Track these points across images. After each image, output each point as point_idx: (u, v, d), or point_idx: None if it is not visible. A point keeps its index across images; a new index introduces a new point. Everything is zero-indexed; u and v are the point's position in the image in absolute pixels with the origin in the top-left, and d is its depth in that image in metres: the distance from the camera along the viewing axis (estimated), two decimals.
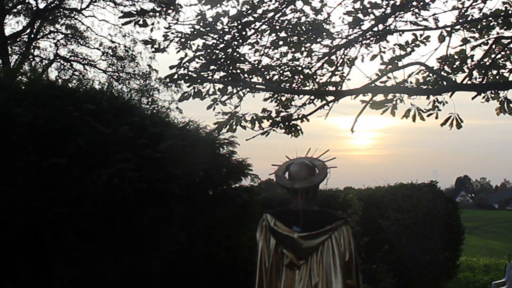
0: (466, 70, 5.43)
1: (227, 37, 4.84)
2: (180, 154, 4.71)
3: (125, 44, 18.36)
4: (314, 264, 2.71)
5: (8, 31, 17.35)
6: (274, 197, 9.37)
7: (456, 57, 5.45)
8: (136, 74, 18.47)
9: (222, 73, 4.96)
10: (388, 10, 4.99)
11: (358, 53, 5.35)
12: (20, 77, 5.15)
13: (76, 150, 4.22)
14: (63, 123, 4.32)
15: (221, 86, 4.95)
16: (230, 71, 4.95)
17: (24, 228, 3.97)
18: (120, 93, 6.07)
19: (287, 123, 5.31)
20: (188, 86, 4.93)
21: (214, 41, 4.80)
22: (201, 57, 4.82)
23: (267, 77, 5.19)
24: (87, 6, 17.85)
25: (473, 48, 5.41)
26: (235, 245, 5.33)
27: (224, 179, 5.51)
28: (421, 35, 5.12)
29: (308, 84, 5.44)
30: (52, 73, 17.50)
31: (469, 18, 5.20)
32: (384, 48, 5.28)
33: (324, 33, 5.09)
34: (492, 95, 5.59)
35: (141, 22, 4.71)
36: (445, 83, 5.17)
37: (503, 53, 5.50)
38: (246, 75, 5.02)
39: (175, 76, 4.78)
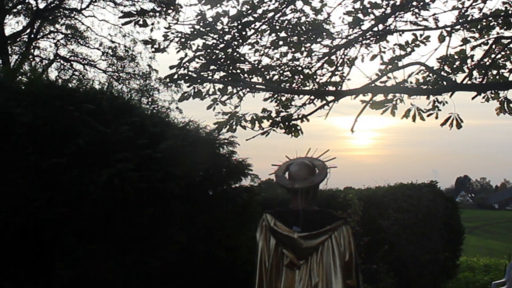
0: (466, 70, 5.43)
1: (227, 37, 4.84)
2: (180, 154, 4.71)
3: (125, 44, 18.39)
4: (314, 264, 2.71)
5: (8, 31, 17.38)
6: (274, 197, 9.37)
7: (456, 57, 5.45)
8: (136, 74, 18.48)
9: (222, 73, 4.96)
10: (388, 10, 4.99)
11: (358, 53, 5.36)
12: (20, 77, 5.15)
13: (76, 150, 4.22)
14: (63, 123, 4.32)
15: (221, 86, 4.95)
16: (230, 71, 4.95)
17: (24, 228, 3.97)
18: (120, 93, 6.07)
19: (287, 123, 5.31)
20: (188, 86, 4.93)
21: (214, 41, 4.80)
22: (201, 57, 4.82)
23: (267, 77, 5.19)
24: (87, 6, 17.86)
25: (473, 48, 5.42)
26: (235, 245, 5.33)
27: (224, 179, 5.51)
28: (421, 35, 5.12)
29: (308, 84, 5.44)
30: (52, 73, 17.52)
31: (469, 18, 5.20)
32: (384, 48, 5.29)
33: (324, 33, 5.09)
34: (492, 95, 5.59)
35: (141, 22, 4.71)
36: (445, 83, 5.17)
37: (503, 53, 5.50)
38: (246, 75, 5.02)
39: (175, 76, 4.78)
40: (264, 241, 2.80)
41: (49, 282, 4.01)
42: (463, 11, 5.16)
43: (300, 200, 2.78)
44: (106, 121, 4.55)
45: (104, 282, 4.11)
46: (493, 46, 5.39)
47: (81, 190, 4.15)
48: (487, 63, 5.52)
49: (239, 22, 4.80)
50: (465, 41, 5.36)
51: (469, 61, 5.45)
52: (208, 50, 4.82)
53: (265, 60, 5.27)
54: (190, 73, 4.80)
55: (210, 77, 4.92)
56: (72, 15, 18.21)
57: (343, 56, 5.38)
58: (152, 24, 4.76)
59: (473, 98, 5.27)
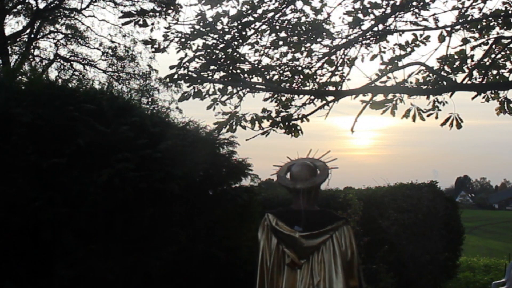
0: (466, 70, 5.43)
1: (227, 37, 4.84)
2: (180, 154, 4.71)
3: (125, 44, 18.39)
4: (316, 263, 2.73)
5: (8, 31, 17.39)
6: (274, 197, 9.36)
7: (456, 57, 5.45)
8: (136, 74, 18.48)
9: (222, 73, 4.97)
10: (388, 10, 4.99)
11: (358, 53, 5.36)
12: (20, 77, 5.15)
13: (76, 150, 4.22)
14: (63, 123, 4.32)
15: (221, 86, 4.96)
16: (230, 71, 4.95)
17: (24, 228, 3.97)
18: (120, 93, 6.06)
19: (287, 123, 5.31)
20: (188, 86, 4.93)
21: (214, 41, 4.80)
22: (201, 57, 4.82)
23: (267, 77, 5.19)
24: (87, 6, 17.86)
25: (473, 48, 5.42)
26: (235, 245, 5.33)
27: (224, 179, 5.51)
28: (421, 35, 5.13)
29: (308, 84, 5.44)
30: (52, 73, 17.52)
31: (469, 18, 5.20)
32: (384, 48, 5.29)
33: (324, 33, 5.10)
34: (492, 95, 5.59)
35: (141, 22, 4.72)
36: (445, 83, 5.18)
37: (503, 53, 5.50)
38: (246, 75, 5.02)
39: (175, 76, 4.78)
40: (265, 240, 2.82)
41: (49, 282, 4.01)
42: (463, 11, 5.16)
43: (301, 200, 2.82)
44: (106, 121, 4.55)
45: (104, 282, 4.10)
46: (493, 46, 5.40)
47: (81, 190, 4.14)
48: (487, 63, 5.53)
49: (239, 22, 4.80)
50: (465, 41, 5.36)
51: (469, 61, 5.46)
52: (208, 50, 4.83)
53: (265, 60, 5.28)
54: (190, 73, 4.80)
55: (210, 77, 4.93)
56: (72, 15, 18.22)
57: (343, 56, 5.38)
58: (152, 24, 4.76)
59: (473, 98, 5.27)
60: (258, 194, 6.25)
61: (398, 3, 4.99)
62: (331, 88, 5.45)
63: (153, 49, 4.94)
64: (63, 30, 18.52)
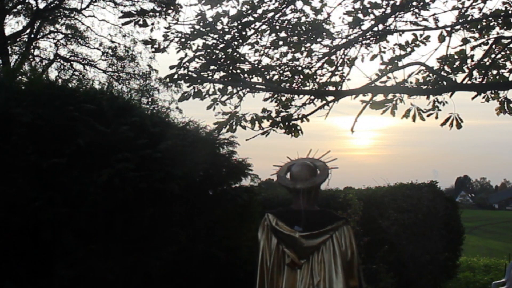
0: (466, 70, 5.43)
1: (227, 37, 4.84)
2: (180, 154, 4.71)
3: (125, 44, 18.39)
4: (315, 263, 2.74)
5: (8, 31, 17.38)
6: (274, 197, 9.36)
7: (456, 57, 5.45)
8: (136, 74, 18.48)
9: (222, 73, 4.97)
10: (388, 10, 4.99)
11: (358, 53, 5.36)
12: (20, 77, 5.15)
13: (76, 150, 4.22)
14: (63, 123, 4.32)
15: (221, 86, 4.96)
16: (230, 71, 4.95)
17: (24, 228, 3.96)
18: (120, 93, 6.06)
19: (287, 123, 5.31)
20: (188, 86, 4.93)
21: (214, 41, 4.80)
22: (201, 57, 4.82)
23: (267, 77, 5.19)
24: (87, 6, 17.86)
25: (473, 48, 5.42)
26: (235, 245, 5.33)
27: (224, 179, 5.51)
28: (421, 35, 5.12)
29: (308, 84, 5.44)
30: (52, 73, 17.52)
31: (469, 18, 5.20)
32: (384, 48, 5.29)
33: (324, 33, 5.10)
34: (492, 95, 5.59)
35: (141, 22, 4.71)
36: (445, 83, 5.18)
37: (503, 53, 5.50)
38: (246, 75, 5.02)
39: (175, 76, 4.78)
40: (265, 240, 2.83)
41: (49, 282, 4.01)
42: (463, 11, 5.16)
43: (302, 201, 2.82)
44: (106, 121, 4.55)
45: (104, 282, 4.10)
46: (493, 46, 5.40)
47: (81, 190, 4.14)
48: (487, 63, 5.53)
49: (239, 22, 4.80)
50: (465, 41, 5.36)
51: (469, 61, 5.46)
52: (208, 50, 4.83)
53: (265, 60, 5.28)
54: (190, 73, 4.80)
55: (210, 77, 4.93)
56: (72, 15, 18.22)
57: (343, 56, 5.38)
58: (152, 24, 4.76)
59: (473, 98, 5.27)
60: (258, 194, 6.26)
61: (398, 3, 4.99)
62: (331, 88, 5.45)
63: (153, 49, 4.94)
64: (63, 30, 18.55)
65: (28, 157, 4.06)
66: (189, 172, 4.80)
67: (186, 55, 4.77)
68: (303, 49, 5.21)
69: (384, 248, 7.66)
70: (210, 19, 4.68)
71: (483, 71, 5.54)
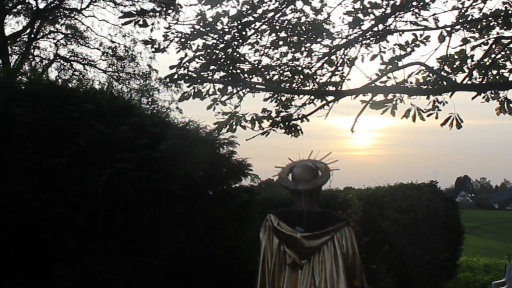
0: (466, 70, 5.43)
1: (227, 37, 4.84)
2: (180, 154, 4.71)
3: (125, 44, 18.39)
4: (317, 264, 2.75)
5: (8, 31, 17.39)
6: (274, 197, 9.37)
7: (456, 57, 5.45)
8: (136, 74, 18.48)
9: (222, 73, 4.96)
10: (388, 10, 4.98)
11: (358, 53, 5.36)
12: (20, 77, 5.16)
13: (76, 150, 4.22)
14: (63, 123, 4.32)
15: (221, 86, 4.95)
16: (230, 71, 4.95)
17: (24, 228, 3.97)
18: (120, 93, 6.07)
19: (287, 123, 5.31)
20: (188, 86, 4.93)
21: (214, 41, 4.80)
22: (201, 57, 4.82)
23: (267, 77, 5.19)
24: (87, 6, 17.86)
25: (473, 48, 5.42)
26: (235, 245, 5.34)
27: (224, 179, 5.51)
28: (421, 35, 5.12)
29: (308, 84, 5.44)
30: (52, 73, 17.53)
31: (469, 18, 5.19)
32: (384, 48, 5.28)
33: (324, 33, 5.09)
34: (492, 95, 5.59)
35: (141, 22, 4.71)
36: (445, 83, 5.17)
37: (503, 53, 5.50)
38: (246, 75, 5.02)
39: (175, 76, 4.78)
40: (267, 240, 2.85)
41: (49, 282, 4.01)
42: (463, 11, 5.16)
43: (303, 202, 2.83)
44: (106, 121, 4.55)
45: (104, 282, 4.10)
46: (493, 46, 5.39)
47: (81, 190, 4.15)
48: (487, 63, 5.52)
49: (239, 22, 4.80)
50: (465, 41, 5.36)
51: (469, 61, 5.45)
52: (208, 50, 4.82)
53: (265, 60, 5.28)
54: (190, 73, 4.80)
55: (210, 77, 4.92)
56: (72, 15, 18.22)
57: (343, 56, 5.38)
58: (152, 24, 4.76)
59: (473, 98, 5.27)
60: (258, 194, 6.26)
61: (398, 3, 4.99)
62: (331, 88, 5.44)
63: (153, 49, 4.94)
64: (63, 30, 18.55)
65: (28, 157, 4.06)
66: (189, 172, 4.80)
67: (186, 55, 4.77)
68: (303, 49, 5.21)
69: (384, 248, 7.66)
70: (210, 19, 4.68)
71: (483, 71, 5.53)
